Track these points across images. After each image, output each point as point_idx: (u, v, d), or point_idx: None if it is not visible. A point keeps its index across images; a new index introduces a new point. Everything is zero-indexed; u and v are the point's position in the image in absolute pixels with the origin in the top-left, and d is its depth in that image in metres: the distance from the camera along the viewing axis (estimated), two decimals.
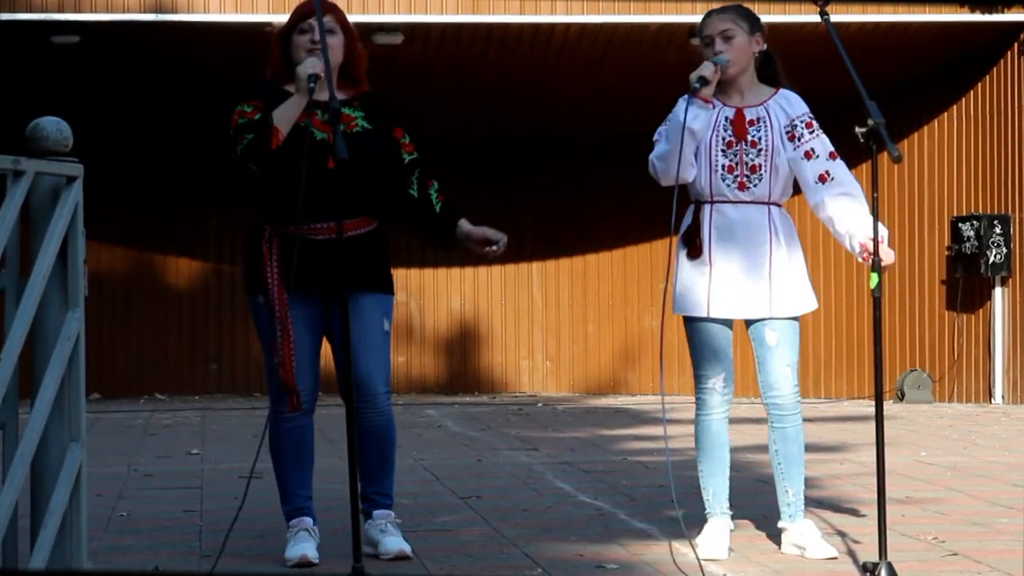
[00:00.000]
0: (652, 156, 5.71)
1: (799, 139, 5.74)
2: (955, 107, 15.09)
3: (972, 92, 14.92)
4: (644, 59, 14.67)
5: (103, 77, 15.24)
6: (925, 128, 15.34)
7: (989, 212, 14.55)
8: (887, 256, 5.47)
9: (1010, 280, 14.51)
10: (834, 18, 5.53)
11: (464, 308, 18.02)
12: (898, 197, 15.49)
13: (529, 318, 18.18)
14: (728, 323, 5.78)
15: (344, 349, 5.14)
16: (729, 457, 5.83)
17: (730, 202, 5.71)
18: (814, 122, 5.77)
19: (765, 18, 6.05)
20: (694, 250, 5.74)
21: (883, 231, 5.61)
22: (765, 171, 5.70)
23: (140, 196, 17.45)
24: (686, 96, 5.66)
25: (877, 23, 13.95)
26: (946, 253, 15.03)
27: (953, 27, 14.18)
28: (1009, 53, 14.46)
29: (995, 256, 14.35)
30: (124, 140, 17.18)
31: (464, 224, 5.81)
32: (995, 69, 14.65)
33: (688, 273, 5.76)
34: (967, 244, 14.53)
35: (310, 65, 5.50)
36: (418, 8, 13.70)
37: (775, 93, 5.81)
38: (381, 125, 5.76)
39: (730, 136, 5.72)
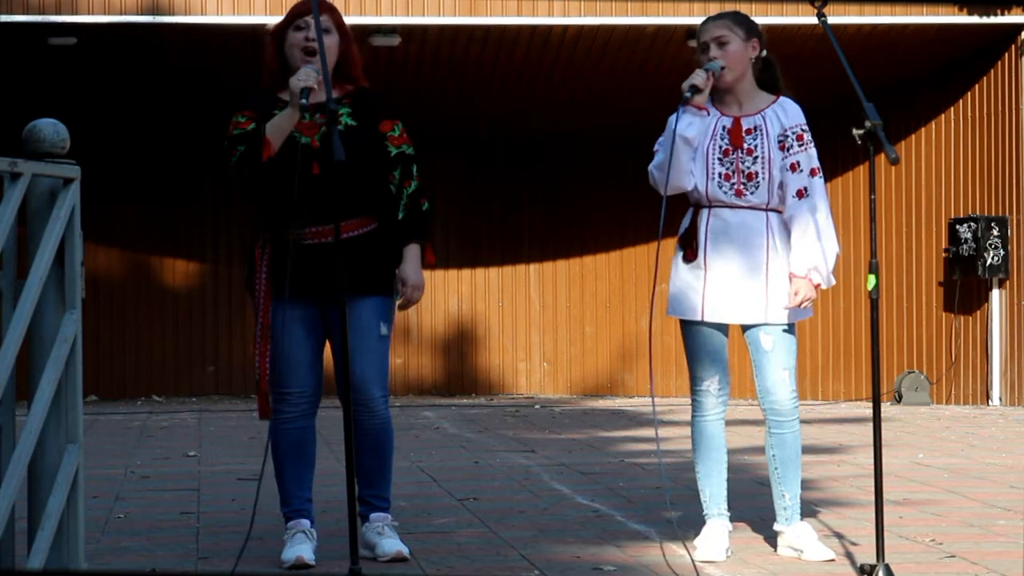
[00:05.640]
0: (651, 166, 5.73)
1: (788, 150, 5.74)
2: (953, 109, 15.09)
3: (970, 94, 14.92)
4: (641, 60, 14.68)
5: (100, 79, 15.24)
6: (923, 130, 15.34)
7: (987, 214, 14.56)
8: (809, 290, 5.57)
9: (1007, 282, 14.51)
10: (831, 20, 5.52)
11: (461, 309, 18.02)
12: (895, 199, 15.49)
13: (527, 320, 18.18)
14: (723, 327, 5.78)
15: (342, 352, 5.15)
16: (726, 459, 5.84)
17: (727, 207, 5.72)
18: (806, 134, 5.76)
19: (762, 20, 6.08)
20: (690, 253, 5.75)
21: (832, 253, 5.64)
22: (762, 179, 5.71)
23: (137, 198, 17.45)
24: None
25: (874, 25, 13.96)
26: (943, 255, 15.03)
27: (950, 29, 14.18)
28: (1007, 55, 14.47)
29: (992, 258, 14.35)
30: (121, 142, 17.18)
31: (408, 252, 5.70)
32: (993, 71, 14.65)
33: (684, 276, 5.77)
34: (964, 246, 14.53)
35: (303, 77, 5.47)
36: (415, 10, 13.69)
37: (774, 101, 5.81)
38: (366, 120, 5.69)
39: (726, 144, 5.73)
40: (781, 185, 5.73)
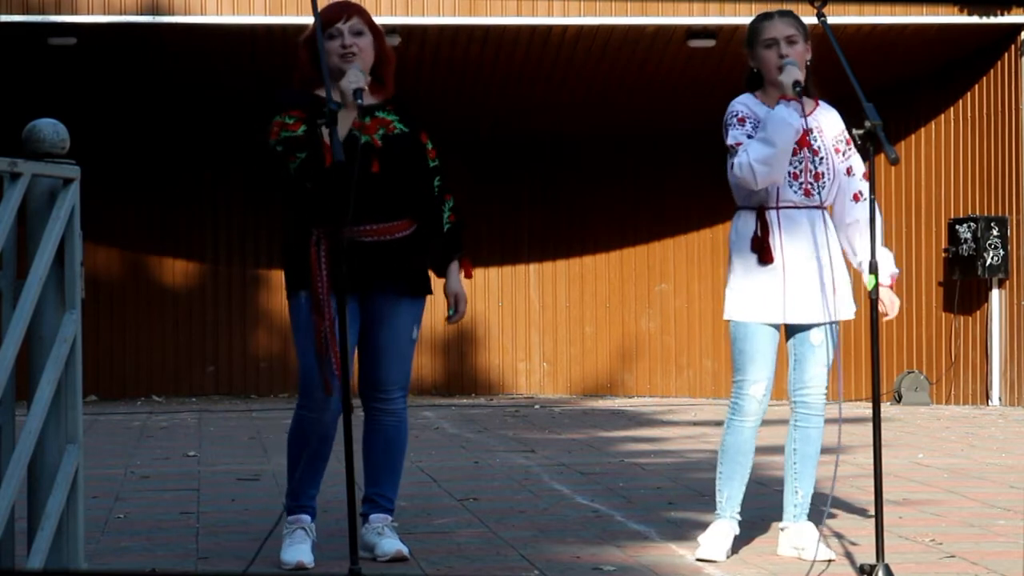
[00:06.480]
0: (751, 160, 5.58)
1: (842, 154, 5.79)
2: (952, 109, 15.09)
3: (969, 94, 14.93)
4: (641, 60, 14.67)
5: (100, 79, 15.24)
6: (922, 130, 15.34)
7: (986, 214, 14.56)
8: (892, 308, 5.78)
9: (1007, 282, 14.51)
10: (831, 20, 5.53)
11: None
12: (895, 199, 15.49)
13: (526, 320, 18.18)
14: (778, 328, 5.79)
15: (342, 352, 5.14)
16: (752, 465, 5.83)
17: (795, 207, 5.73)
18: (852, 139, 5.77)
19: None
20: (766, 256, 5.70)
21: (890, 264, 5.69)
22: (828, 179, 5.75)
23: (137, 198, 17.44)
24: (767, 97, 5.71)
25: (874, 25, 13.96)
26: (943, 255, 15.03)
27: (950, 29, 14.18)
28: (1007, 55, 14.47)
29: (992, 258, 14.35)
30: (121, 142, 17.18)
31: (454, 268, 5.86)
32: (992, 71, 14.66)
33: (757, 279, 5.72)
34: (964, 246, 14.53)
35: (353, 79, 5.49)
36: (415, 10, 13.69)
37: (816, 106, 5.83)
38: (413, 128, 5.80)
39: (793, 144, 5.73)
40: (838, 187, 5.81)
